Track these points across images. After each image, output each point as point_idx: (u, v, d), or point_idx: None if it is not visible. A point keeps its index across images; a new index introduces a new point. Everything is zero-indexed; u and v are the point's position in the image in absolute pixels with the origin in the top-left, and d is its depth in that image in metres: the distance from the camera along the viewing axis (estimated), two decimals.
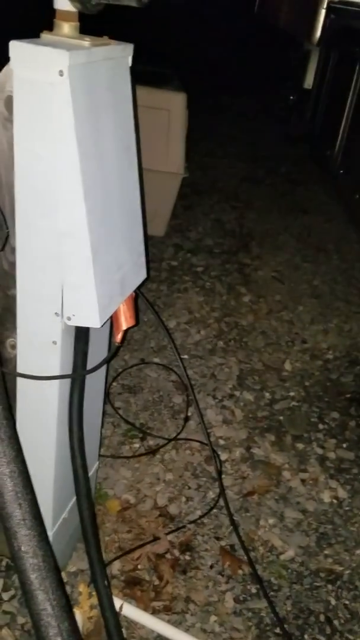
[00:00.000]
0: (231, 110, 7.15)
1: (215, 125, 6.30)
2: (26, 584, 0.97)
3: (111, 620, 1.35)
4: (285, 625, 1.68)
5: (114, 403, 2.43)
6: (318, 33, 4.63)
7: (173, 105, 3.31)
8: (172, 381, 2.63)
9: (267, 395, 2.61)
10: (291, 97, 5.56)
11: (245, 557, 1.84)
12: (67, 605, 1.00)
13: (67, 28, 1.12)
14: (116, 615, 1.38)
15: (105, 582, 1.36)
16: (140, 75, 2.42)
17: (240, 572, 1.81)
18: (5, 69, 1.13)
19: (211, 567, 1.81)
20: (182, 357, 2.77)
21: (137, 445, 2.25)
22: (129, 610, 1.60)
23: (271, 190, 4.98)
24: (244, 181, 5.04)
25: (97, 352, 1.50)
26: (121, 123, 1.28)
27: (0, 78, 1.14)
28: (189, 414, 2.42)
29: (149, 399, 2.51)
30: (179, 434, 2.31)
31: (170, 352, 2.83)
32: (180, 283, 3.39)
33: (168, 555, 1.81)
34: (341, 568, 1.87)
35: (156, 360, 2.76)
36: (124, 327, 1.46)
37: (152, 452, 2.21)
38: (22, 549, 0.98)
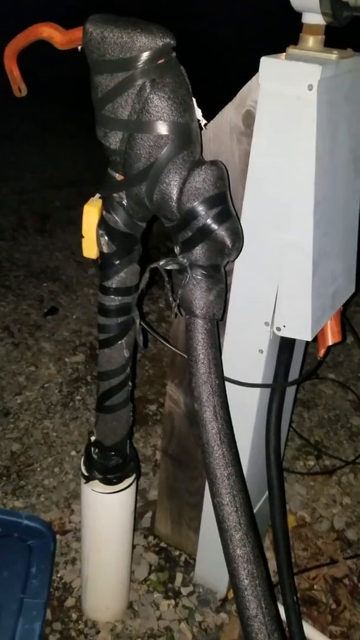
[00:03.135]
0: None
1: None
2: (239, 588, 0.98)
3: (298, 637, 1.32)
4: None
5: None
6: None
7: None
8: (350, 400, 2.54)
9: None
10: None
11: None
12: (278, 616, 1.00)
13: (313, 41, 1.12)
14: (303, 632, 1.35)
15: (294, 598, 1.34)
16: None
17: None
18: (247, 84, 1.16)
19: None
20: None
21: (311, 463, 2.20)
22: (307, 629, 1.56)
23: None
24: None
25: (294, 364, 1.49)
26: (355, 133, 1.26)
27: (242, 93, 1.18)
28: None
29: (325, 417, 2.45)
30: (358, 457, 2.21)
31: (347, 369, 2.74)
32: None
33: (346, 581, 1.74)
34: None
35: (331, 376, 2.68)
36: (330, 342, 1.43)
37: (328, 472, 2.15)
38: (237, 552, 0.99)
